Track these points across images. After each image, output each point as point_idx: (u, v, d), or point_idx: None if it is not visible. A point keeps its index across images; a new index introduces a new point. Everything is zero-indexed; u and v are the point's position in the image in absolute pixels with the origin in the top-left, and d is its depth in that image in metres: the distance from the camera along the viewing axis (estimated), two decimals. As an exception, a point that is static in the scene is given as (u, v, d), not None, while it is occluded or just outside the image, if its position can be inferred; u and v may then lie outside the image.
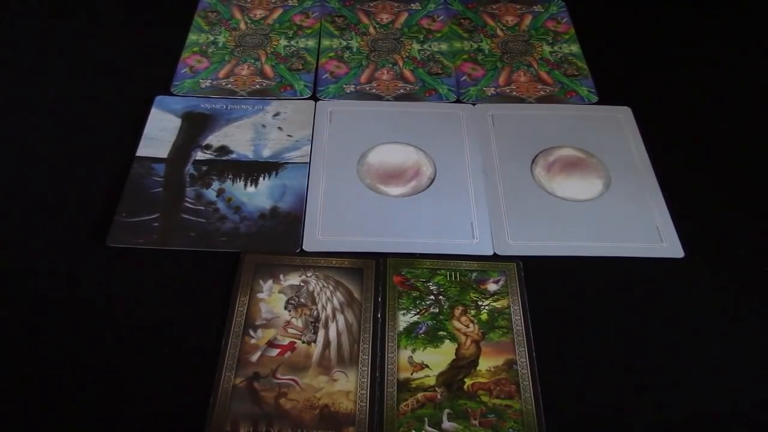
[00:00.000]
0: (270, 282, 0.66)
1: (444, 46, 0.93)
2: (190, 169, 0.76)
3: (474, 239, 0.70)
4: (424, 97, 0.86)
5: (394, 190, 0.75)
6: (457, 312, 0.64)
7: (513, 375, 0.60)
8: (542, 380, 0.59)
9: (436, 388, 0.59)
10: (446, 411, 0.58)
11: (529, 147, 0.80)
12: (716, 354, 0.63)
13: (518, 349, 0.61)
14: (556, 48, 0.93)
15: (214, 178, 0.75)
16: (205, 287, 0.66)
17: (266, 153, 0.78)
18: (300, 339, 0.62)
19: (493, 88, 0.87)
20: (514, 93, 0.87)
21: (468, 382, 0.59)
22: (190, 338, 0.62)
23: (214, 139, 0.80)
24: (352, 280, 0.66)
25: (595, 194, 0.75)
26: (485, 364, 0.61)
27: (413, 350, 0.61)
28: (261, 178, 0.75)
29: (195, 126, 0.81)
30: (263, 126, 0.81)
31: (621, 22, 0.99)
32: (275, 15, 0.98)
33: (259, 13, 0.98)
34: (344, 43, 0.93)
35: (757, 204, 0.75)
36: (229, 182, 0.75)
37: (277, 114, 0.83)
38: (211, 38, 0.94)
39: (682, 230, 0.71)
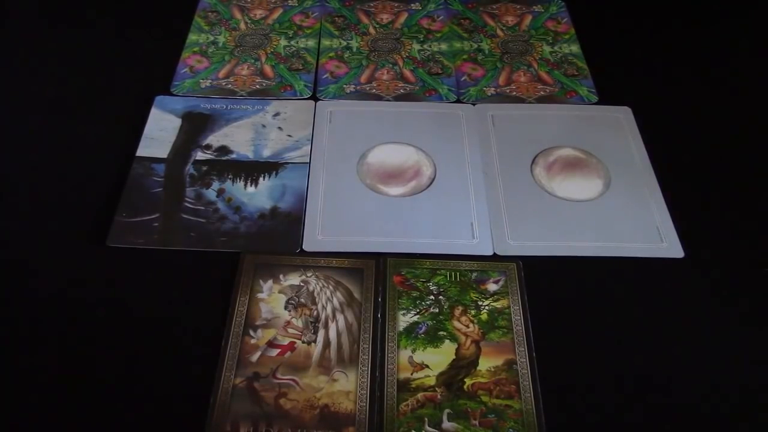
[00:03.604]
0: (270, 282, 0.66)
1: (444, 46, 0.93)
2: (190, 169, 0.76)
3: (474, 239, 0.70)
4: (424, 97, 0.86)
5: (394, 190, 0.75)
6: (457, 312, 0.64)
7: (513, 375, 0.60)
8: (542, 380, 0.59)
9: (436, 388, 0.59)
10: (446, 411, 0.58)
11: (529, 147, 0.80)
12: (716, 354, 0.63)
13: (518, 349, 0.61)
14: (556, 48, 0.93)
15: (214, 178, 0.75)
16: (205, 287, 0.66)
17: (266, 153, 0.78)
18: (300, 339, 0.62)
19: (493, 88, 0.87)
20: (514, 93, 0.87)
21: (468, 382, 0.59)
22: (190, 338, 0.62)
23: (214, 139, 0.80)
24: (352, 280, 0.66)
25: (595, 194, 0.75)
26: (485, 364, 0.61)
27: (413, 350, 0.61)
28: (261, 178, 0.75)
29: (195, 126, 0.81)
30: (263, 126, 0.81)
31: (621, 22, 0.99)
32: (275, 15, 0.98)
33: (259, 13, 0.98)
34: (344, 43, 0.93)
35: (757, 204, 0.75)
36: (229, 182, 0.75)
37: (277, 114, 0.83)
38: (211, 38, 0.94)
39: (682, 230, 0.71)
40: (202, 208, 0.72)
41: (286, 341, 0.62)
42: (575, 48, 0.94)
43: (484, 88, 0.87)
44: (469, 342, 0.62)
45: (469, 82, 0.88)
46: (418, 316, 0.64)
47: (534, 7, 1.00)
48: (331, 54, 0.91)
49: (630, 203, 0.74)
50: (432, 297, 0.65)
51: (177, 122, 0.81)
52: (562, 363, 0.61)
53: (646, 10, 1.01)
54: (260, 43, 0.93)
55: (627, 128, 0.82)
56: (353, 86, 0.87)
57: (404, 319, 0.63)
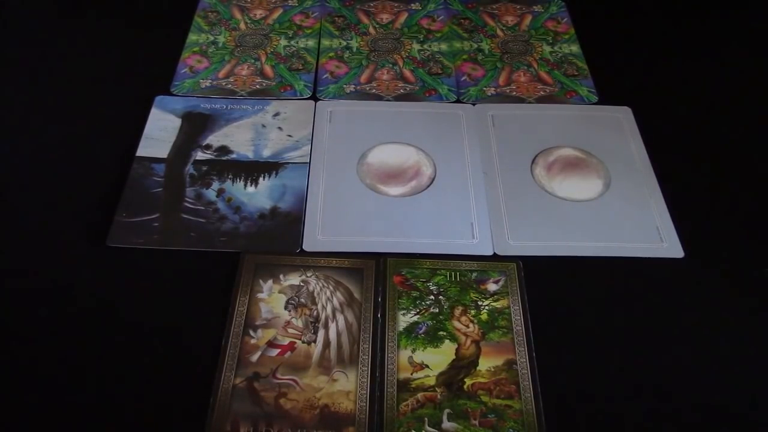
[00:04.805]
0: (270, 282, 0.66)
1: (444, 46, 0.93)
2: (190, 169, 0.76)
3: (474, 239, 0.70)
4: (424, 97, 0.86)
5: (394, 190, 0.75)
6: (457, 312, 0.64)
7: (513, 375, 0.60)
8: (542, 380, 0.59)
9: (436, 388, 0.59)
10: (446, 411, 0.58)
11: (529, 147, 0.80)
12: (716, 354, 0.63)
13: (518, 349, 0.61)
14: (556, 48, 0.93)
15: (214, 178, 0.75)
16: (205, 287, 0.66)
17: (266, 153, 0.78)
18: (300, 339, 0.62)
19: (493, 88, 0.87)
20: (514, 93, 0.87)
21: (468, 382, 0.59)
22: (190, 338, 0.62)
23: (214, 139, 0.80)
24: (352, 280, 0.66)
25: (595, 194, 0.75)
26: (485, 364, 0.61)
27: (413, 350, 0.61)
28: (261, 178, 0.75)
29: (195, 126, 0.81)
30: (263, 126, 0.81)
31: (621, 22, 0.99)
32: (275, 15, 0.98)
33: (259, 13, 0.98)
34: (344, 43, 0.93)
35: (757, 204, 0.75)
36: (229, 182, 0.75)
37: (277, 114, 0.83)
38: (211, 38, 0.94)
39: (682, 230, 0.71)
40: (202, 208, 0.72)
41: (286, 341, 0.62)
42: (575, 48, 0.94)
43: (484, 88, 0.87)
44: (469, 342, 0.62)
45: (469, 82, 0.88)
46: (418, 316, 0.64)
47: (534, 7, 1.00)
48: (331, 54, 0.92)
49: (630, 203, 0.74)
50: (432, 297, 0.65)
51: (177, 122, 0.81)
52: (562, 363, 0.61)
53: (646, 11, 1.01)
54: (260, 43, 0.93)
55: (627, 128, 0.82)
56: (353, 86, 0.87)
57: (404, 319, 0.63)
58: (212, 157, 0.78)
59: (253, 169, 0.76)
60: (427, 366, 0.60)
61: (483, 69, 0.90)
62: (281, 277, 0.66)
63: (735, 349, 0.63)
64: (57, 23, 0.96)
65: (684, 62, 0.93)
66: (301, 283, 0.66)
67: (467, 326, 0.63)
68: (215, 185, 0.75)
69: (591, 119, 0.84)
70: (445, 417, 0.57)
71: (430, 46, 0.93)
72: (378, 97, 0.85)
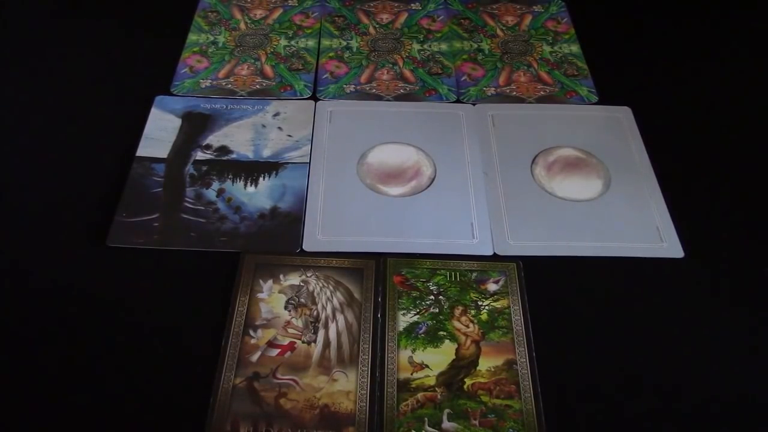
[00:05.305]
0: (270, 282, 0.66)
1: (444, 46, 0.93)
2: (190, 169, 0.76)
3: (474, 239, 0.70)
4: (424, 97, 0.86)
5: (394, 190, 0.75)
6: (457, 312, 0.64)
7: (513, 375, 0.60)
8: (542, 380, 0.59)
9: (436, 388, 0.59)
10: (446, 411, 0.58)
11: (529, 147, 0.80)
12: (716, 353, 0.63)
13: (518, 349, 0.61)
14: (556, 48, 0.93)
15: (214, 178, 0.75)
16: (205, 287, 0.66)
17: (266, 153, 0.78)
18: (300, 339, 0.62)
19: (493, 88, 0.87)
20: (514, 93, 0.87)
21: (468, 382, 0.59)
22: (190, 338, 0.62)
23: (214, 139, 0.80)
24: (352, 280, 0.66)
25: (595, 194, 0.75)
26: (485, 364, 0.61)
27: (413, 350, 0.61)
28: (261, 178, 0.75)
29: (195, 126, 0.81)
30: (263, 126, 0.81)
31: (621, 22, 0.99)
32: (275, 15, 0.98)
33: (259, 13, 0.98)
34: (344, 43, 0.93)
35: (757, 204, 0.75)
36: (229, 182, 0.75)
37: (277, 114, 0.83)
38: (211, 38, 0.94)
39: (682, 230, 0.71)
40: (202, 208, 0.72)
41: (286, 341, 0.62)
42: (575, 48, 0.94)
43: (484, 88, 0.87)
44: (469, 342, 0.62)
45: (469, 82, 0.88)
46: (418, 316, 0.64)
47: (534, 7, 1.00)
48: (331, 54, 0.92)
49: (630, 203, 0.74)
50: (432, 297, 0.65)
51: (177, 122, 0.81)
52: (562, 363, 0.61)
53: (645, 10, 1.01)
54: (260, 43, 0.93)
55: (627, 128, 0.82)
56: (353, 86, 0.87)
57: (404, 319, 0.63)
58: (212, 157, 0.78)
59: (253, 169, 0.76)
60: (427, 366, 0.60)
61: (483, 69, 0.90)
62: (281, 277, 0.66)
63: (735, 348, 0.63)
64: (57, 23, 0.96)
65: (684, 62, 0.93)
66: (301, 283, 0.66)
67: (467, 326, 0.63)
68: (215, 185, 0.75)
69: (591, 119, 0.84)
70: (445, 417, 0.57)
71: (430, 46, 0.93)
72: (378, 97, 0.85)
